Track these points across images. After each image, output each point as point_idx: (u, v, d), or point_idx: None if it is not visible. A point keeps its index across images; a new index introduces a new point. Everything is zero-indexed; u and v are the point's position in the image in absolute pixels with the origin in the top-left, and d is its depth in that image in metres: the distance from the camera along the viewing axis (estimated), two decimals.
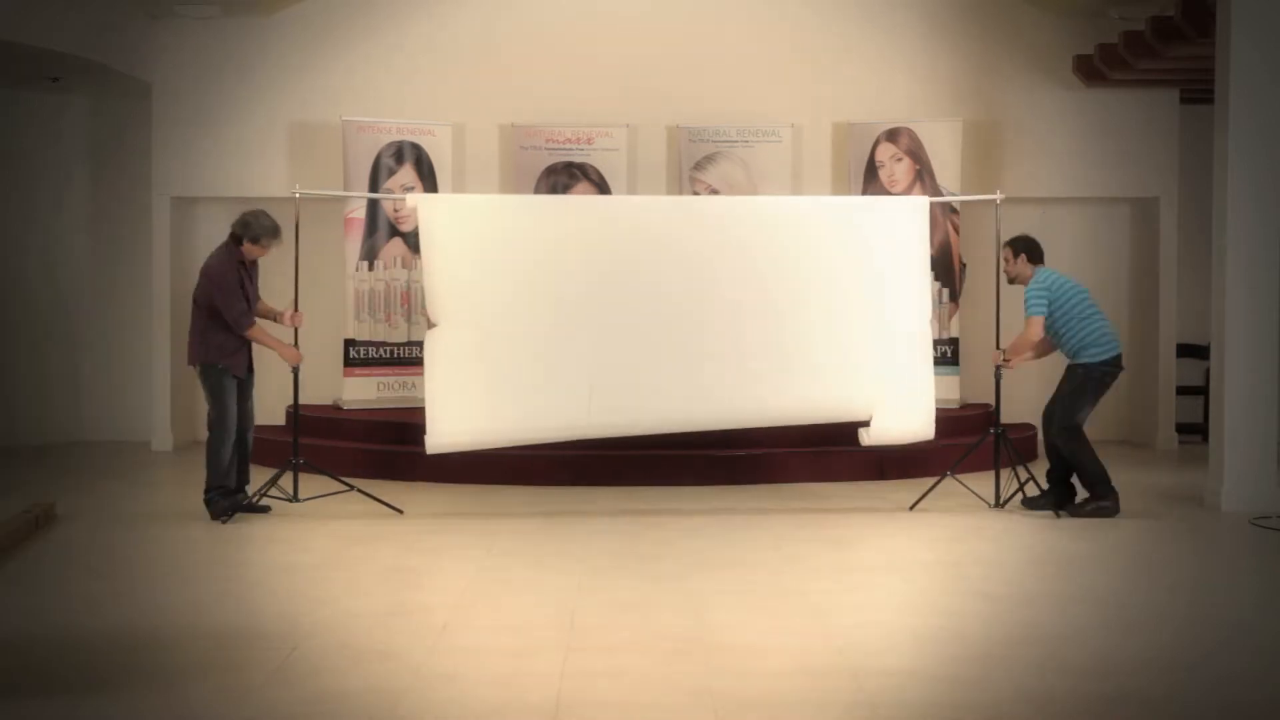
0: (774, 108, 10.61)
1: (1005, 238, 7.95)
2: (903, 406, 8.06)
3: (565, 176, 10.29)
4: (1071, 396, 7.59)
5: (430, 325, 7.59)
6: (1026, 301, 7.59)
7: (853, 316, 8.02)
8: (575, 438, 7.83)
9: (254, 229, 7.43)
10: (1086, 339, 7.54)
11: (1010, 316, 8.29)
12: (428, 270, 7.65)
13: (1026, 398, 10.10)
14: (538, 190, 10.18)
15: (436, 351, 7.56)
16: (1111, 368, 7.57)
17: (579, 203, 9.24)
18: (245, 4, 10.25)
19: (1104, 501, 7.49)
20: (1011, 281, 7.85)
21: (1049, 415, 7.71)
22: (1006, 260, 7.80)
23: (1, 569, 6.24)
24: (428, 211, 7.73)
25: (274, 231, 7.48)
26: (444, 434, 7.55)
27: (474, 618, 5.34)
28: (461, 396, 7.58)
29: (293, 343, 7.84)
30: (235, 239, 7.48)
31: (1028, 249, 7.75)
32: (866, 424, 8.03)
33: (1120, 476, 7.70)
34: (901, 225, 8.12)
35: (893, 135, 10.35)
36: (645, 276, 7.87)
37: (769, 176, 10.34)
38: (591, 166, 10.34)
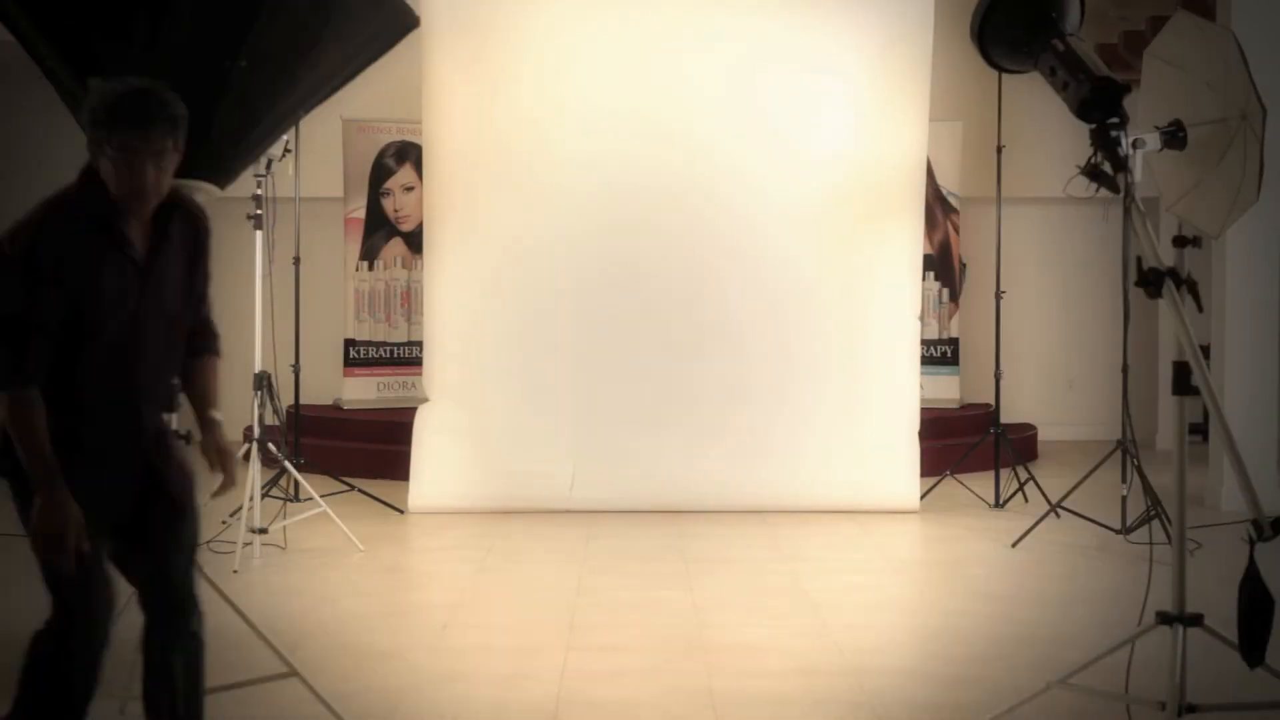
0: None
1: (1005, 238, 7.89)
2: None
3: None
4: None
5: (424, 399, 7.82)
6: None
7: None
8: (558, 509, 7.69)
9: None
10: None
11: (1010, 316, 8.27)
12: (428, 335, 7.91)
13: (1027, 398, 10.11)
14: None
15: (427, 425, 7.71)
16: None
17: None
18: None
19: None
20: None
21: None
22: None
23: (1, 569, 6.23)
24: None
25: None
26: (426, 496, 7.61)
27: (474, 618, 5.34)
28: (447, 468, 7.69)
29: (294, 341, 7.83)
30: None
31: None
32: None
33: (1120, 476, 7.64)
34: None
35: None
36: (634, 351, 7.79)
37: None
38: None
